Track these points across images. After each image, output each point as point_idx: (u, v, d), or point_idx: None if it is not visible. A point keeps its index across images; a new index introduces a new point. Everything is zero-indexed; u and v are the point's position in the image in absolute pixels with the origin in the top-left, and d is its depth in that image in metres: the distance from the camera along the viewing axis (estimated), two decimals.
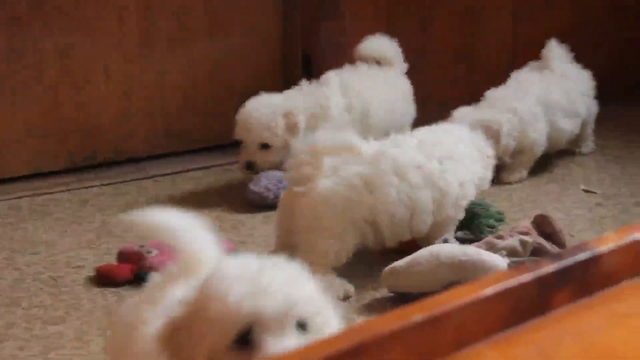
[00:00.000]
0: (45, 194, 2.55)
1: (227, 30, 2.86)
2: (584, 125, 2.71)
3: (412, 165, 1.94)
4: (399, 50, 2.67)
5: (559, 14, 3.19)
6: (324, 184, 1.89)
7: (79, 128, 2.70)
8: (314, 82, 2.55)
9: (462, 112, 2.48)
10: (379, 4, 2.95)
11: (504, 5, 3.11)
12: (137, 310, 1.20)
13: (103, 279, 1.96)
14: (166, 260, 1.93)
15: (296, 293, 1.03)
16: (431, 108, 3.07)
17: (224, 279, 1.02)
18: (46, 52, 2.63)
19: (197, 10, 2.81)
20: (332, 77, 2.53)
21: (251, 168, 2.43)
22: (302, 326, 1.04)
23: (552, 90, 2.60)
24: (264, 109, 2.42)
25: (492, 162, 2.10)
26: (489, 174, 2.09)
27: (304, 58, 2.98)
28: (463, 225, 2.08)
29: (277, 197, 2.23)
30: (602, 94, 3.29)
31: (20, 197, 2.53)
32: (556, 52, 2.69)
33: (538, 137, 2.54)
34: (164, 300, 1.19)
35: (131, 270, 1.95)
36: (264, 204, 2.37)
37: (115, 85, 2.73)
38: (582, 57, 3.25)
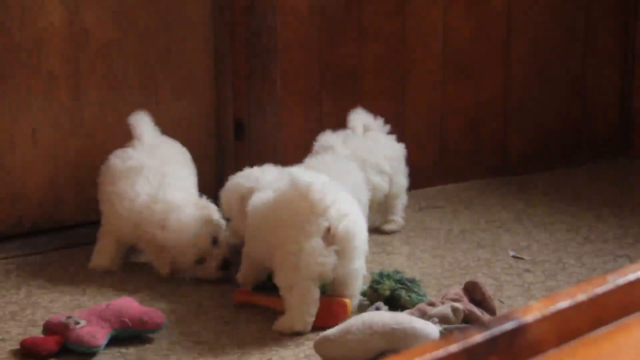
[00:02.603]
0: None
1: (159, 96, 2.86)
2: (390, 198, 2.66)
3: None
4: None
5: (486, 80, 3.28)
6: None
7: (5, 193, 2.64)
8: None
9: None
10: (310, 70, 2.99)
11: (432, 72, 3.19)
12: None
13: (27, 352, 1.89)
14: (94, 332, 1.88)
15: None
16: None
17: None
18: None
19: (128, 76, 2.80)
20: None
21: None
22: None
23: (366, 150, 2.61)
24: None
25: None
26: None
27: (236, 124, 2.99)
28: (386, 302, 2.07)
29: None
30: (528, 161, 3.38)
31: None
32: (359, 120, 2.67)
33: None
34: None
35: (56, 343, 1.89)
36: None
37: (43, 150, 2.68)
38: (510, 122, 3.34)
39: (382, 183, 2.62)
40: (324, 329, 1.89)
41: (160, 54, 2.85)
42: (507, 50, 3.29)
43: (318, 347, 1.83)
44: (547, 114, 3.39)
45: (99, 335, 1.89)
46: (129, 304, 1.99)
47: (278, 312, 2.06)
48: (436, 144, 3.27)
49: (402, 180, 2.70)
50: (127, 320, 1.93)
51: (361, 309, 2.07)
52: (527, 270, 2.40)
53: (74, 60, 2.71)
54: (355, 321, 1.82)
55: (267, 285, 2.27)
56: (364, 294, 2.16)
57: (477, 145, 3.31)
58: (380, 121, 2.73)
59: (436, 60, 3.19)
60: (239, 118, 2.97)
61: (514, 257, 2.51)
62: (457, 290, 2.01)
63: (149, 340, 1.97)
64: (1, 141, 2.63)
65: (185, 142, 2.76)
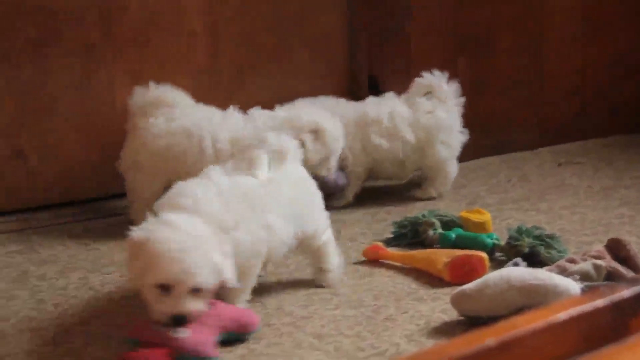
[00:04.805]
0: (118, 215, 2.61)
1: (294, 53, 2.90)
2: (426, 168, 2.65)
3: None
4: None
5: (628, 32, 3.14)
6: None
7: None
8: None
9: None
10: (444, 26, 2.95)
11: (571, 26, 3.08)
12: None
13: None
14: (207, 340, 1.71)
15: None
16: (495, 131, 3.06)
17: (160, 244, 1.65)
18: (118, 77, 2.70)
19: (263, 34, 2.85)
20: None
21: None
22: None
23: (372, 110, 2.61)
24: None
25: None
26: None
27: (370, 79, 2.99)
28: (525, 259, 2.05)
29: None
30: None
31: (94, 219, 2.60)
32: (420, 86, 2.64)
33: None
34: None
35: (166, 355, 1.65)
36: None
37: None
38: None
39: (383, 144, 2.60)
40: (461, 284, 1.89)
41: (295, 13, 2.88)
42: None
43: (455, 301, 1.83)
44: None
45: (210, 341, 1.70)
46: (221, 307, 1.79)
47: (407, 268, 2.09)
48: (576, 99, 3.17)
49: (438, 152, 2.63)
50: (226, 324, 1.75)
51: (499, 264, 2.05)
52: None
53: (212, 20, 2.78)
54: (493, 276, 1.81)
55: (400, 242, 2.29)
56: (502, 249, 2.14)
57: (619, 100, 3.19)
58: (451, 87, 2.65)
59: (575, 14, 3.08)
60: (373, 74, 2.97)
61: None
62: (599, 247, 1.95)
63: (286, 292, 2.03)
64: None
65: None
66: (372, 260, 2.19)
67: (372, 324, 1.85)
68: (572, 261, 1.89)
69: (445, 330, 1.81)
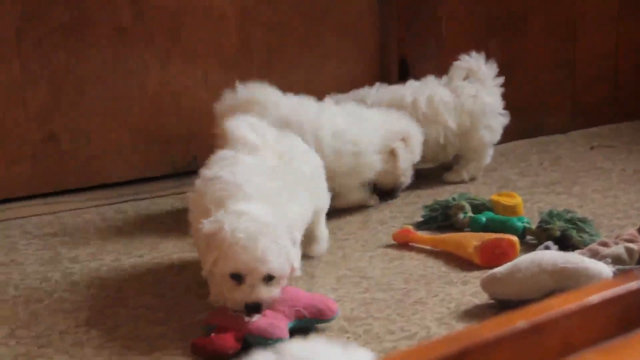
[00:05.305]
0: (150, 198, 2.64)
1: (323, 36, 2.89)
2: (465, 150, 2.61)
3: None
4: None
5: None
6: None
7: (181, 135, 2.78)
8: None
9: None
10: (476, 9, 2.92)
11: (606, 8, 3.04)
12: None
13: (208, 354, 1.67)
14: (277, 322, 1.70)
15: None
16: (526, 114, 3.03)
17: (231, 234, 1.66)
18: (149, 61, 2.71)
19: (294, 18, 2.84)
20: None
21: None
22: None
23: (409, 94, 2.57)
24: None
25: None
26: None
27: (400, 63, 2.98)
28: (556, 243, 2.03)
29: None
30: None
31: (126, 202, 2.62)
32: (460, 68, 2.59)
33: None
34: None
35: (236, 338, 1.67)
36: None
37: (215, 93, 2.78)
38: None
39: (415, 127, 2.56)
40: (492, 268, 1.88)
41: None
42: None
43: (485, 284, 1.83)
44: None
45: (283, 325, 1.68)
46: (296, 293, 1.77)
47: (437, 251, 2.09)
48: (609, 81, 3.13)
49: (483, 136, 2.60)
50: (302, 309, 1.72)
51: (530, 248, 2.04)
52: None
53: (243, 4, 2.78)
54: (524, 260, 1.80)
55: (430, 226, 2.28)
56: (533, 233, 2.13)
57: None
58: (489, 68, 2.61)
59: None
60: (404, 57, 2.96)
61: None
62: (631, 231, 1.94)
63: (316, 276, 2.03)
64: (176, 86, 2.75)
65: (349, 81, 2.79)
66: (402, 244, 2.19)
67: (402, 307, 1.85)
68: (604, 244, 1.88)
69: (475, 313, 1.80)
